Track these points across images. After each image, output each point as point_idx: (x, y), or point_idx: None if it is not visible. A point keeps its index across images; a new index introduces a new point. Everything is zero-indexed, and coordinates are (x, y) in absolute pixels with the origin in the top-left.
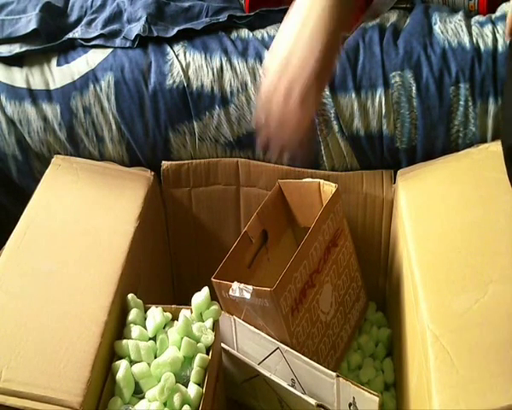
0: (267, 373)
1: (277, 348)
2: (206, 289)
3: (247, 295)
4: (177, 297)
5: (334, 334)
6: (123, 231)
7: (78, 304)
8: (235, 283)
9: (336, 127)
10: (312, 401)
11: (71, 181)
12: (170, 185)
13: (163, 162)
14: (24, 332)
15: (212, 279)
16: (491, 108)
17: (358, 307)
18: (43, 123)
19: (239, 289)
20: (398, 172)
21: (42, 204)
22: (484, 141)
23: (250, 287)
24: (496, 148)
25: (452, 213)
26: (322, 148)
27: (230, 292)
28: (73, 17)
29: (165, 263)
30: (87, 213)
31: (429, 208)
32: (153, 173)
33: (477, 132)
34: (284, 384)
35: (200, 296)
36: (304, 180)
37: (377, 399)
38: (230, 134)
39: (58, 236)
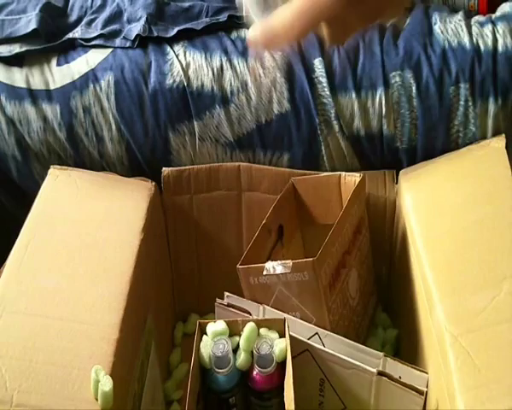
0: (319, 345)
1: (316, 333)
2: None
3: (287, 270)
4: (177, 305)
5: (357, 322)
6: (128, 244)
7: (87, 322)
8: (269, 261)
9: (337, 127)
10: (373, 370)
11: (70, 193)
12: (170, 193)
13: (163, 169)
14: (33, 353)
15: (238, 267)
16: (491, 108)
17: (373, 302)
18: (43, 123)
19: (273, 267)
20: (401, 172)
21: (42, 218)
22: None
23: (289, 261)
24: (497, 144)
25: (459, 210)
26: (323, 148)
27: (264, 272)
28: (73, 17)
29: (166, 270)
30: (90, 227)
31: (435, 207)
32: (154, 183)
33: (477, 132)
34: (339, 354)
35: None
36: (322, 174)
37: (426, 375)
38: (231, 134)
39: (61, 251)
